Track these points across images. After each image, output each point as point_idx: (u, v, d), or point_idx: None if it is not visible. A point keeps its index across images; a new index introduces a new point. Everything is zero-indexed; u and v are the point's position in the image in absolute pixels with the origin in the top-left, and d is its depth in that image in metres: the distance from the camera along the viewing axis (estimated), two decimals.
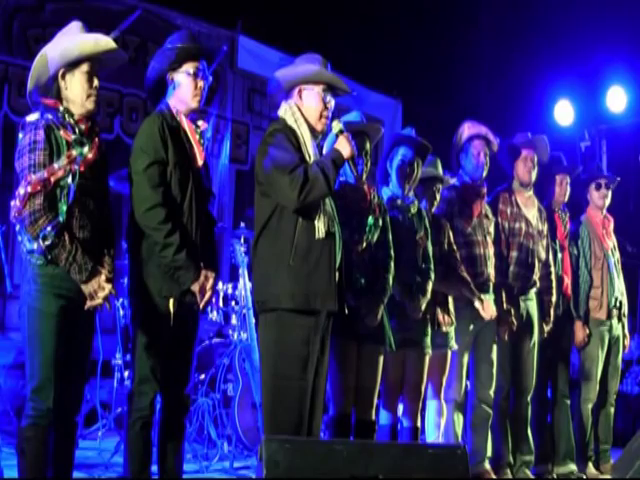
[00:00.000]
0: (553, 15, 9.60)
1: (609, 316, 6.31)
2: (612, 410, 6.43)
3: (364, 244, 4.59)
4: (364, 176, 4.70)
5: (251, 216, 4.25)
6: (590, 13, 8.98)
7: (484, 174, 5.58)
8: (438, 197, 5.32)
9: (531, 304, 5.81)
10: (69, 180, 3.72)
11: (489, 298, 5.50)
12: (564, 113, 9.34)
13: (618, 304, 6.38)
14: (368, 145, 4.72)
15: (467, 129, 5.61)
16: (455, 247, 5.33)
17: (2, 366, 6.48)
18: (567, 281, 6.15)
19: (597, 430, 6.35)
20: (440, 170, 5.33)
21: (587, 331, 6.19)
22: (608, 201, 6.42)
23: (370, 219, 4.62)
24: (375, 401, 4.68)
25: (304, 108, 4.17)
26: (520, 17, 9.98)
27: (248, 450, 5.96)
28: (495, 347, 5.57)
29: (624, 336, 6.43)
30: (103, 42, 3.89)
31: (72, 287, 3.74)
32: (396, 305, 4.84)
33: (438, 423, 5.22)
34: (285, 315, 3.98)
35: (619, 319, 6.41)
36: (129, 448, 3.99)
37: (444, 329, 5.12)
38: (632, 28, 8.79)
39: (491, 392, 5.53)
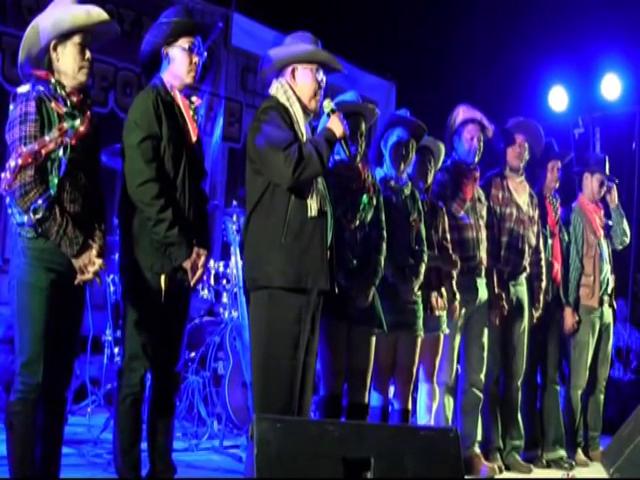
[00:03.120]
0: (549, 1, 9.55)
1: (600, 303, 6.32)
2: (602, 397, 6.46)
3: (357, 222, 4.56)
4: (358, 157, 4.67)
5: (243, 195, 4.21)
6: (587, 0, 8.95)
7: (476, 159, 5.54)
8: (430, 170, 5.26)
9: (521, 289, 5.81)
10: (60, 153, 3.68)
11: (481, 282, 5.49)
12: (558, 99, 9.34)
13: (609, 291, 6.40)
14: (363, 126, 4.69)
15: (462, 112, 5.58)
16: (449, 236, 5.29)
17: None
18: (557, 267, 6.15)
19: (586, 417, 6.37)
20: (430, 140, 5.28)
21: (576, 318, 6.20)
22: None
23: (364, 197, 4.59)
24: (368, 383, 4.66)
25: (297, 87, 4.15)
26: (516, 2, 9.93)
27: (238, 429, 5.96)
28: (486, 331, 5.56)
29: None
30: (95, 14, 3.83)
31: (62, 261, 3.69)
32: (389, 287, 4.81)
33: (430, 406, 5.22)
34: (276, 293, 3.96)
35: (610, 306, 6.43)
36: (118, 424, 3.99)
37: (437, 313, 5.09)
38: (628, 16, 8.75)
39: (482, 376, 5.53)
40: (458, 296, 5.24)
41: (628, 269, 8.31)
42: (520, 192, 5.87)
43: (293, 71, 4.16)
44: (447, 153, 5.56)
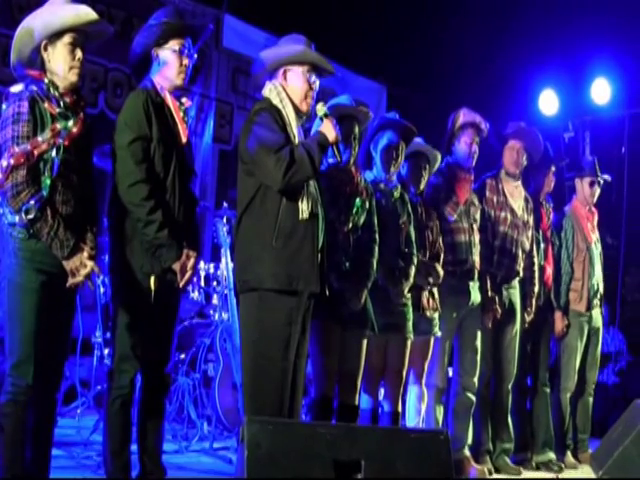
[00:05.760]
0: (540, 5, 9.58)
1: (589, 308, 6.33)
2: (590, 400, 6.48)
3: (350, 225, 4.56)
4: (352, 160, 4.66)
5: (234, 197, 4.21)
6: (577, 4, 8.97)
7: (473, 163, 5.55)
8: (423, 176, 5.25)
9: (514, 292, 5.81)
10: (53, 154, 3.67)
11: (473, 286, 5.49)
12: (548, 103, 9.37)
13: (598, 296, 6.41)
14: (357, 129, 4.68)
15: (462, 116, 5.56)
16: (441, 239, 5.29)
17: None
18: (549, 271, 6.16)
19: (575, 420, 6.39)
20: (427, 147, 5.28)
21: (566, 322, 6.21)
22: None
23: (358, 201, 4.59)
24: (359, 386, 4.65)
25: (289, 89, 4.14)
26: (507, 5, 9.95)
27: (228, 431, 5.95)
28: (479, 334, 5.56)
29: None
30: (83, 13, 3.81)
31: (54, 262, 3.68)
32: (379, 289, 4.80)
33: (419, 409, 5.22)
34: (267, 295, 3.95)
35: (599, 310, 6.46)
36: (108, 426, 3.97)
37: (428, 314, 5.09)
38: (619, 21, 8.78)
39: (475, 380, 5.53)
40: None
41: (616, 273, 8.33)
42: (515, 196, 5.87)
43: (284, 73, 4.16)
44: (442, 156, 5.56)
